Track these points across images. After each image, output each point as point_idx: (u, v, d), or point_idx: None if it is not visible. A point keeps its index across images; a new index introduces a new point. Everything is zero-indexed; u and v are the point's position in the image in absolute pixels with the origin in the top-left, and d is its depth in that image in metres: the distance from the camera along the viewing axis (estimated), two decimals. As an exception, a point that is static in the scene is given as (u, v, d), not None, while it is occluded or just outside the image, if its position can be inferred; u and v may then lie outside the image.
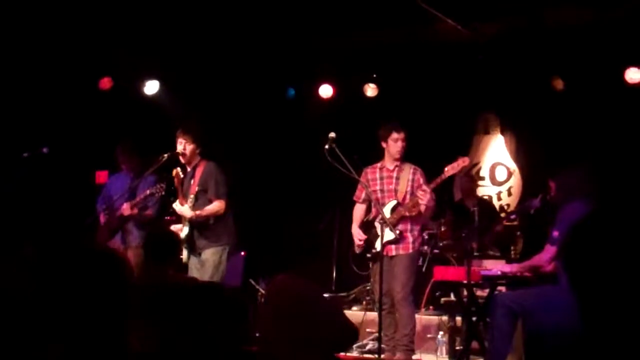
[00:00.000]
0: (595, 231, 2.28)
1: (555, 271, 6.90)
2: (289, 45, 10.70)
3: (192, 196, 8.21)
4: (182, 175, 8.36)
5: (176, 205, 8.30)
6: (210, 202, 8.26)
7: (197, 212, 8.14)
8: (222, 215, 8.27)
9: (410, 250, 7.97)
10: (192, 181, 8.33)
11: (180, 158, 8.42)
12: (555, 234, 6.72)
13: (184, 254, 8.09)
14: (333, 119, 10.43)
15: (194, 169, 8.42)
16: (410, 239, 7.99)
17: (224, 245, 8.23)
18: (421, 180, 8.05)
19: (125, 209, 8.87)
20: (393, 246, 7.93)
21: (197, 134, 8.43)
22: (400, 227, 7.97)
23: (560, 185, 7.03)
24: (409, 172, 8.10)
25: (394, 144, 8.10)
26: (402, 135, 8.12)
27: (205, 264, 8.10)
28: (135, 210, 8.90)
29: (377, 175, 8.23)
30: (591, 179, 6.97)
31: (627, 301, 2.16)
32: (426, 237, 9.52)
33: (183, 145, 8.36)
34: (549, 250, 6.80)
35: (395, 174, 8.14)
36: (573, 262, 2.29)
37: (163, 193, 8.69)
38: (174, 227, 8.33)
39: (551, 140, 10.56)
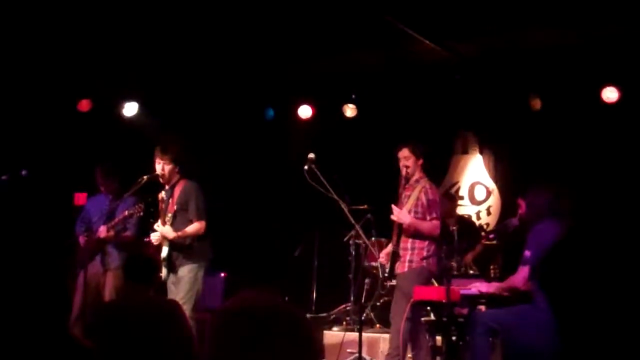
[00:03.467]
0: (570, 252, 2.32)
1: (530, 290, 6.91)
2: (268, 66, 10.73)
3: (169, 215, 8.18)
4: (166, 199, 8.33)
5: (158, 227, 8.24)
6: (190, 222, 8.24)
7: (179, 233, 8.11)
8: (201, 236, 8.26)
9: (405, 269, 7.87)
10: (170, 200, 8.30)
11: (159, 179, 8.40)
12: (527, 254, 6.73)
13: (164, 272, 8.06)
14: (312, 139, 10.46)
15: (172, 187, 8.39)
16: (408, 258, 7.89)
17: (200, 263, 8.20)
18: (423, 199, 7.91)
19: (102, 231, 8.84)
20: (397, 264, 7.93)
21: (176, 154, 8.41)
22: (401, 245, 7.94)
23: (530, 204, 7.06)
24: (418, 191, 7.96)
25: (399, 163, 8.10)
26: (401, 153, 8.08)
27: (181, 280, 8.07)
28: (112, 233, 8.87)
29: (403, 194, 8.15)
30: (561, 198, 6.98)
31: (602, 317, 2.19)
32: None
33: (162, 166, 8.34)
34: (522, 271, 6.80)
35: (409, 192, 8.03)
36: (549, 282, 2.33)
37: (142, 214, 8.66)
38: (162, 230, 8.28)
39: (529, 159, 10.62)
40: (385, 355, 8.06)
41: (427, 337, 8.11)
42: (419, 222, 7.91)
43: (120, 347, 5.14)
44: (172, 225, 8.15)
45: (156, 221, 8.33)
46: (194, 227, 8.18)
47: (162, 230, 8.18)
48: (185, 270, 8.11)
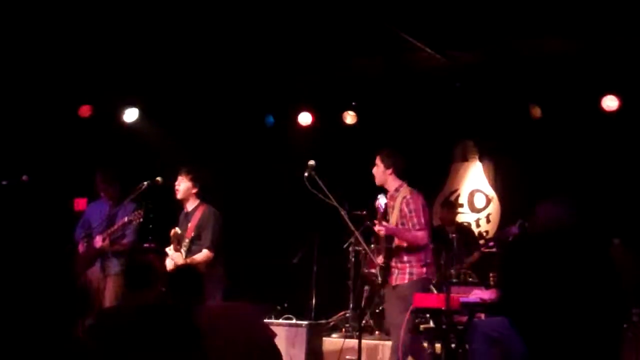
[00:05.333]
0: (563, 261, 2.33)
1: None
2: (268, 73, 10.74)
3: (187, 240, 8.23)
4: (179, 232, 8.32)
5: (169, 250, 8.28)
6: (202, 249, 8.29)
7: (188, 260, 8.14)
8: (213, 263, 8.28)
9: (406, 281, 7.69)
10: (188, 225, 8.35)
11: (176, 194, 8.46)
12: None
13: None
14: (312, 146, 10.47)
15: (192, 212, 8.43)
16: (407, 270, 7.72)
17: (215, 290, 8.18)
18: (405, 210, 7.72)
19: (97, 241, 8.85)
20: (393, 276, 7.76)
21: (197, 175, 8.45)
22: (398, 257, 7.77)
23: (542, 216, 7.02)
24: (400, 202, 7.78)
25: None
26: (376, 160, 7.96)
27: None
28: (107, 242, 8.87)
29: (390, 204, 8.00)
30: (573, 212, 6.97)
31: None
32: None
33: (179, 182, 8.42)
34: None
35: (393, 203, 7.86)
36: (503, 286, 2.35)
37: (141, 220, 8.68)
38: (171, 255, 8.33)
39: (529, 167, 10.63)
40: None
41: (427, 346, 8.09)
42: (403, 232, 7.74)
43: (119, 352, 5.14)
44: (188, 250, 8.21)
45: (168, 245, 8.38)
46: (203, 255, 8.22)
47: (171, 256, 8.23)
48: None
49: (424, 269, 7.76)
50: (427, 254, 7.87)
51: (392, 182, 7.91)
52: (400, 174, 7.94)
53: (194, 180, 8.45)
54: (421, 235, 7.75)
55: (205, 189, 8.66)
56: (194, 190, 8.46)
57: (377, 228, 7.73)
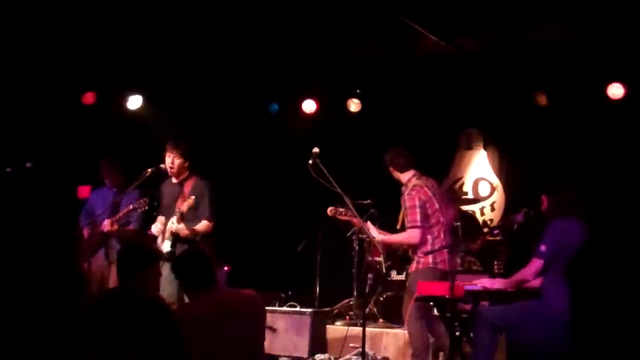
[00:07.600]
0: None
1: (539, 286, 6.89)
2: (272, 60, 10.71)
3: (178, 213, 8.18)
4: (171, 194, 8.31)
5: (172, 223, 8.17)
6: (199, 219, 8.24)
7: (191, 231, 8.10)
8: (209, 235, 8.26)
9: (413, 269, 7.95)
10: (180, 197, 8.30)
11: (168, 171, 8.40)
12: (543, 248, 6.71)
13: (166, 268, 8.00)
14: (316, 134, 10.44)
15: (181, 183, 8.39)
16: (416, 259, 7.94)
17: None
18: (404, 208, 8.03)
19: (106, 225, 8.84)
20: (410, 264, 8.06)
21: (186, 148, 8.42)
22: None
23: (552, 200, 7.01)
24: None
25: None
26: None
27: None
28: (116, 227, 8.86)
29: None
30: (580, 197, 6.98)
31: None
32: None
33: (171, 159, 8.34)
34: (535, 264, 6.77)
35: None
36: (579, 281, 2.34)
37: (146, 208, 8.66)
38: (154, 228, 8.30)
39: (534, 155, 10.59)
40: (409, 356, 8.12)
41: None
42: (389, 237, 8.16)
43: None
44: (181, 221, 8.15)
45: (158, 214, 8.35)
46: (204, 225, 8.19)
47: (177, 228, 8.12)
48: None
49: (429, 258, 7.83)
50: (435, 242, 7.91)
51: (402, 178, 8.10)
52: (403, 167, 8.08)
53: (185, 154, 8.41)
54: (411, 234, 7.94)
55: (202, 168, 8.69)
56: (186, 164, 8.44)
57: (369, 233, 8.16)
